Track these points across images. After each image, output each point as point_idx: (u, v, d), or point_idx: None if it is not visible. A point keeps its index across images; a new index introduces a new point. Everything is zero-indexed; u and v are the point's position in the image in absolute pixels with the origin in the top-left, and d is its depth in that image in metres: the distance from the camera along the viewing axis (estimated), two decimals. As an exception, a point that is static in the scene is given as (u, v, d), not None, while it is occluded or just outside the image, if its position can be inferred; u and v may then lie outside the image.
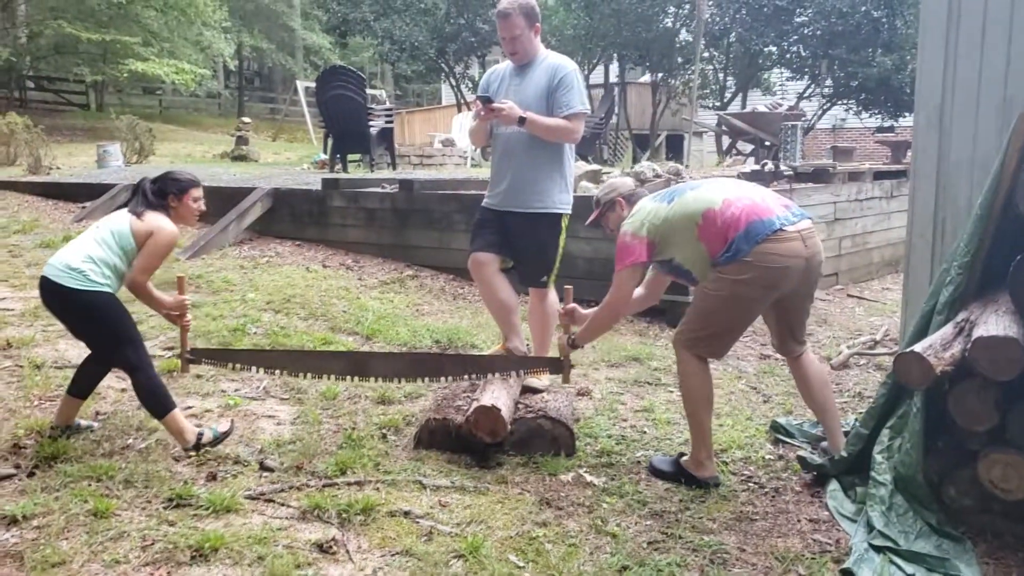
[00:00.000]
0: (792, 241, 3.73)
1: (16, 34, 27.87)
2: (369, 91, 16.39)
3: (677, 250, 3.91)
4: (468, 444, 4.18)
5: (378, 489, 3.76)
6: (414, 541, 3.32)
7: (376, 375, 4.63)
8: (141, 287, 4.05)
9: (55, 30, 25.76)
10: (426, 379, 4.74)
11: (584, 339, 4.34)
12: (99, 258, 3.92)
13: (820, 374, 4.25)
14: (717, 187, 3.93)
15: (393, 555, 3.23)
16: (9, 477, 3.71)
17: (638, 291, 4.23)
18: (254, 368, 4.61)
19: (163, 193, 4.11)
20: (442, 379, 4.66)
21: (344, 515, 3.48)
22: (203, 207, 4.28)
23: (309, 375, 4.57)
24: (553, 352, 4.76)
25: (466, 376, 4.60)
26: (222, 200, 9.57)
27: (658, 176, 8.03)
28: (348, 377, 4.59)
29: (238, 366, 4.65)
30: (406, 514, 3.53)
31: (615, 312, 4.19)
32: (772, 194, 4.00)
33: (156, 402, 4.01)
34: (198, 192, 4.22)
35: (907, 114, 16.92)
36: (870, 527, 3.42)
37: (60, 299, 3.91)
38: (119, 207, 4.16)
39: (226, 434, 4.17)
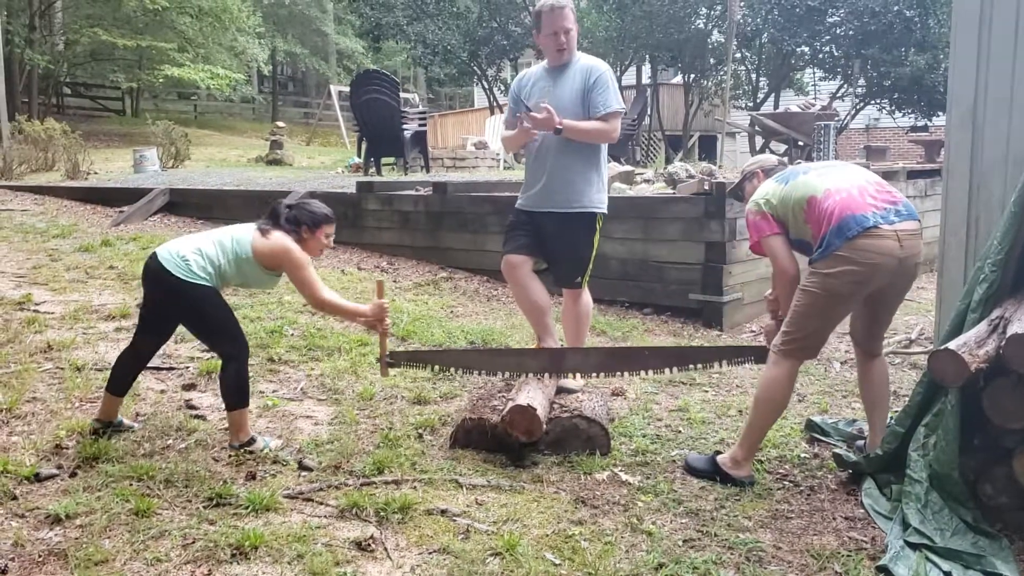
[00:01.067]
0: (886, 239, 3.70)
1: (54, 41, 28.28)
2: (402, 95, 16.49)
3: (791, 228, 3.94)
4: (504, 443, 4.21)
5: (415, 488, 3.79)
6: (451, 539, 3.35)
7: (574, 370, 4.65)
8: (326, 303, 4.12)
9: (92, 37, 26.12)
10: (625, 373, 4.67)
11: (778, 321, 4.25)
12: (206, 253, 4.00)
13: (885, 374, 4.26)
14: (825, 174, 3.93)
15: (430, 553, 3.26)
16: (52, 477, 3.78)
17: None
18: (452, 369, 4.69)
19: (297, 221, 4.12)
20: (642, 372, 4.62)
21: (382, 514, 3.52)
22: (332, 244, 4.30)
23: (507, 373, 4.59)
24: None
25: (667, 369, 4.61)
26: (258, 203, 9.67)
27: (691, 177, 8.04)
28: (547, 374, 4.58)
29: (438, 368, 4.72)
30: (443, 512, 3.56)
31: (786, 279, 4.01)
32: (877, 188, 3.91)
33: (237, 394, 4.10)
34: (331, 229, 4.22)
35: (941, 113, 16.74)
36: (906, 524, 3.42)
37: (160, 282, 4.00)
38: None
39: (273, 451, 4.19)
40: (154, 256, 4.04)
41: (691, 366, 4.55)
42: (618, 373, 4.68)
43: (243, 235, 4.08)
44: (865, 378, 4.23)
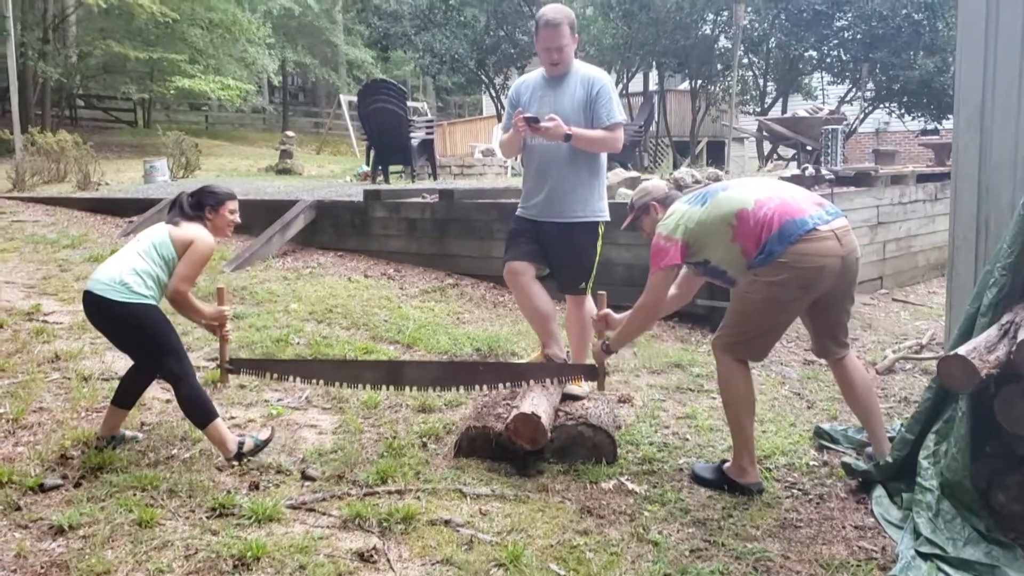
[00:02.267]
0: (827, 240, 3.69)
1: (67, 54, 28.50)
2: (410, 104, 16.50)
3: (712, 252, 3.89)
4: (508, 452, 4.18)
5: (419, 498, 3.77)
6: (455, 550, 3.32)
7: (411, 384, 4.64)
8: (182, 297, 4.11)
9: (104, 49, 26.32)
10: (461, 388, 4.74)
11: (619, 343, 4.35)
12: (142, 270, 3.99)
13: (864, 378, 4.19)
14: (749, 187, 3.92)
15: (434, 564, 3.24)
16: (56, 487, 3.78)
17: (671, 290, 4.21)
18: (291, 378, 4.67)
19: (200, 205, 4.21)
20: (477, 387, 4.65)
21: (385, 524, 3.49)
22: (238, 219, 4.35)
23: (345, 384, 4.60)
24: (589, 359, 4.75)
25: (501, 385, 4.59)
26: (266, 213, 9.70)
27: (698, 182, 8.01)
28: (384, 386, 4.61)
29: (276, 376, 4.71)
30: (447, 523, 3.53)
31: (649, 315, 4.18)
32: (804, 193, 3.96)
33: (198, 412, 4.07)
34: (234, 204, 4.30)
35: (950, 116, 16.69)
36: (917, 534, 3.37)
37: (104, 312, 3.99)
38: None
39: (267, 442, 4.21)
40: (88, 293, 4.01)
41: (524, 383, 4.52)
42: (453, 388, 4.74)
43: (160, 236, 4.09)
44: (845, 386, 4.18)
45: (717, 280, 4.07)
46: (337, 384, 4.62)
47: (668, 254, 3.91)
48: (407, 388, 4.67)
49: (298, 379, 4.67)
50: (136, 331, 4.04)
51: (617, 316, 4.34)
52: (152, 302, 3.99)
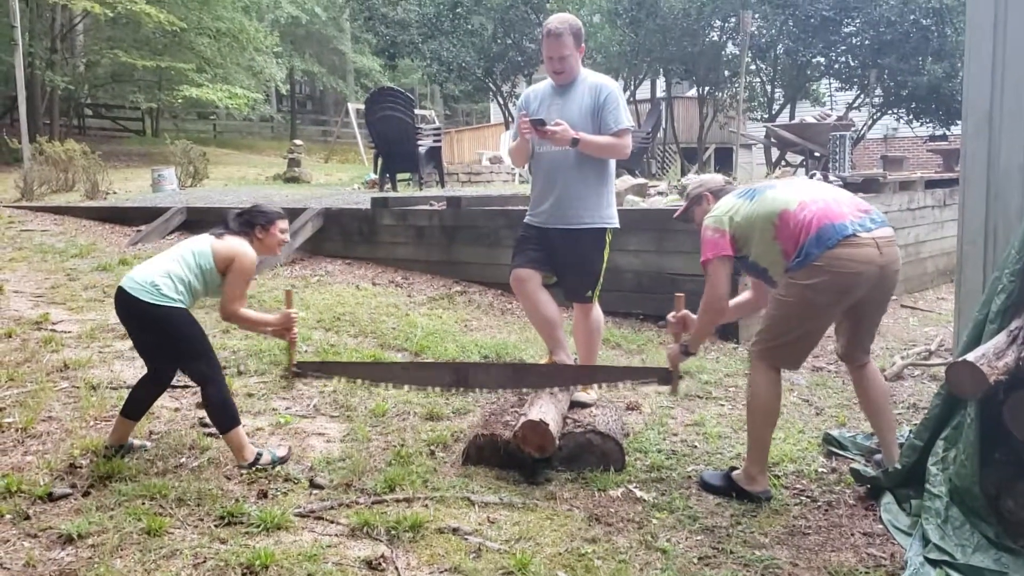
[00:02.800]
0: (866, 247, 3.67)
1: (75, 64, 28.65)
2: (418, 111, 16.53)
3: (755, 248, 3.89)
4: (517, 460, 4.17)
5: (427, 506, 3.77)
6: (463, 558, 3.32)
7: (480, 386, 4.64)
8: (236, 315, 4.15)
9: (112, 59, 26.45)
10: (530, 389, 4.66)
11: (695, 344, 4.28)
12: (174, 274, 4.01)
13: (882, 385, 4.19)
14: (795, 188, 3.90)
15: (442, 572, 3.23)
16: (65, 496, 3.78)
17: (745, 294, 4.20)
18: (359, 381, 4.69)
19: (250, 224, 4.21)
20: (547, 389, 4.57)
21: (393, 532, 3.49)
22: (288, 238, 4.38)
23: (414, 387, 4.59)
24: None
25: (573, 386, 4.59)
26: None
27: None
28: (453, 389, 4.59)
29: (345, 379, 4.74)
30: (455, 531, 3.53)
31: (716, 308, 4.05)
32: (851, 198, 3.91)
33: (224, 416, 4.09)
34: (284, 224, 4.32)
35: (959, 122, 16.66)
36: (926, 540, 3.36)
37: (132, 311, 4.01)
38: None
39: (283, 460, 4.20)
40: (121, 290, 4.04)
41: (598, 385, 4.56)
42: (523, 389, 4.70)
43: (201, 245, 4.11)
44: (862, 392, 4.17)
45: (760, 278, 4.05)
46: (406, 387, 4.60)
47: (717, 245, 3.91)
48: (476, 391, 4.68)
49: (367, 382, 4.66)
50: (162, 333, 4.06)
51: (694, 317, 4.25)
52: (180, 306, 4.00)
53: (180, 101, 27.70)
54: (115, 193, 15.13)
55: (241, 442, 4.12)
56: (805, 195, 3.82)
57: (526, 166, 5.16)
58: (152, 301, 3.94)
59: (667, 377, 4.40)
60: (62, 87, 25.89)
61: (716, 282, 3.96)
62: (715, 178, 4.41)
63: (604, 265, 4.78)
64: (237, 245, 4.11)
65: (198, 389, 5.20)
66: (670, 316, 4.33)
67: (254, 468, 4.07)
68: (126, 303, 4.01)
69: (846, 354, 4.15)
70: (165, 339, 4.09)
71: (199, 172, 17.40)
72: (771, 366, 3.90)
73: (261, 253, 4.24)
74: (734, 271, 4.10)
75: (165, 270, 4.02)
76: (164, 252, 4.20)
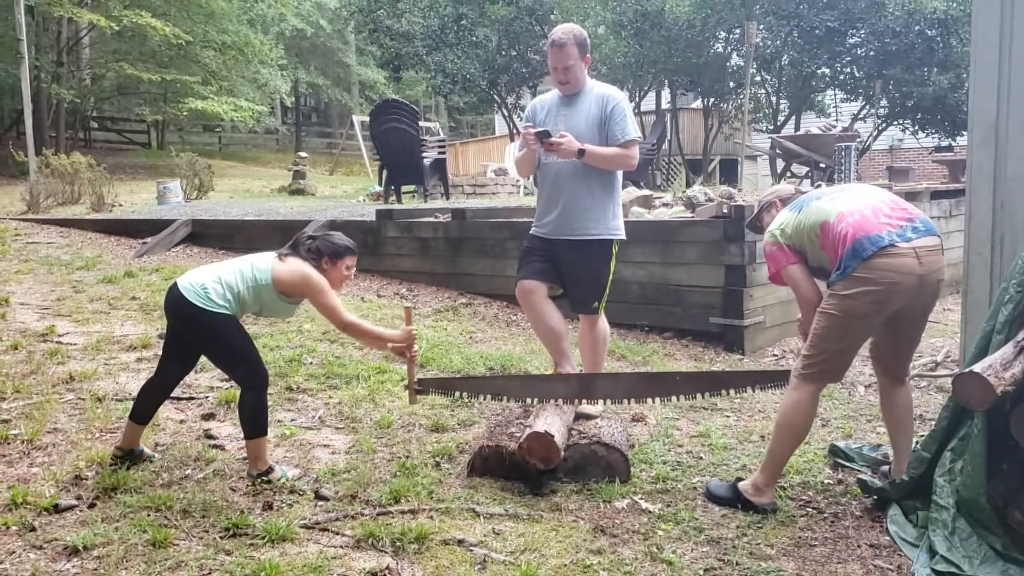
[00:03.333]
0: (904, 257, 3.65)
1: (81, 76, 28.75)
2: (423, 123, 16.56)
3: (809, 256, 3.92)
4: (522, 471, 4.16)
5: (432, 517, 3.76)
6: (468, 569, 3.31)
7: (605, 397, 4.62)
8: (350, 325, 4.13)
9: (118, 72, 26.52)
10: (657, 399, 4.63)
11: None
12: (226, 281, 4.02)
13: (908, 399, 4.18)
14: (838, 198, 3.90)
15: (447, 583, 3.23)
16: (71, 508, 3.78)
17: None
18: (481, 396, 4.65)
19: (318, 252, 4.14)
20: (673, 398, 4.57)
21: (398, 543, 3.48)
22: (352, 276, 4.31)
23: (536, 399, 4.53)
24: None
25: (699, 395, 4.58)
26: (279, 233, 9.72)
27: (710, 200, 8.01)
28: (576, 400, 4.57)
29: (467, 394, 4.68)
30: (460, 542, 3.52)
31: (809, 305, 3.98)
32: (892, 206, 3.85)
33: (255, 422, 4.09)
34: (352, 261, 4.23)
35: (964, 133, 16.64)
36: (933, 552, 3.34)
37: (179, 309, 4.03)
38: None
39: (291, 480, 4.17)
40: (175, 286, 4.07)
41: (723, 391, 4.52)
42: (649, 400, 4.63)
43: (263, 263, 4.10)
44: (888, 401, 4.15)
45: (824, 278, 3.99)
46: (528, 399, 4.56)
47: (777, 257, 3.96)
48: (602, 402, 4.64)
49: (488, 396, 4.62)
50: (206, 338, 4.08)
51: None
52: (224, 312, 3.99)
53: (185, 114, 27.77)
54: (121, 206, 15.16)
55: (260, 452, 4.11)
56: (844, 206, 3.81)
57: (531, 177, 5.16)
58: (198, 304, 3.95)
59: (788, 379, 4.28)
60: (68, 100, 25.98)
61: (796, 286, 3.98)
62: (786, 188, 4.46)
63: (611, 276, 4.77)
64: (300, 267, 4.07)
65: (203, 400, 5.25)
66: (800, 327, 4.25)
67: (260, 480, 4.06)
68: (176, 302, 4.03)
69: (886, 362, 4.12)
70: (210, 342, 4.11)
71: (204, 185, 17.44)
72: (817, 384, 3.89)
73: None
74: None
75: (218, 276, 4.04)
76: (227, 261, 4.21)
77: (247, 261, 4.13)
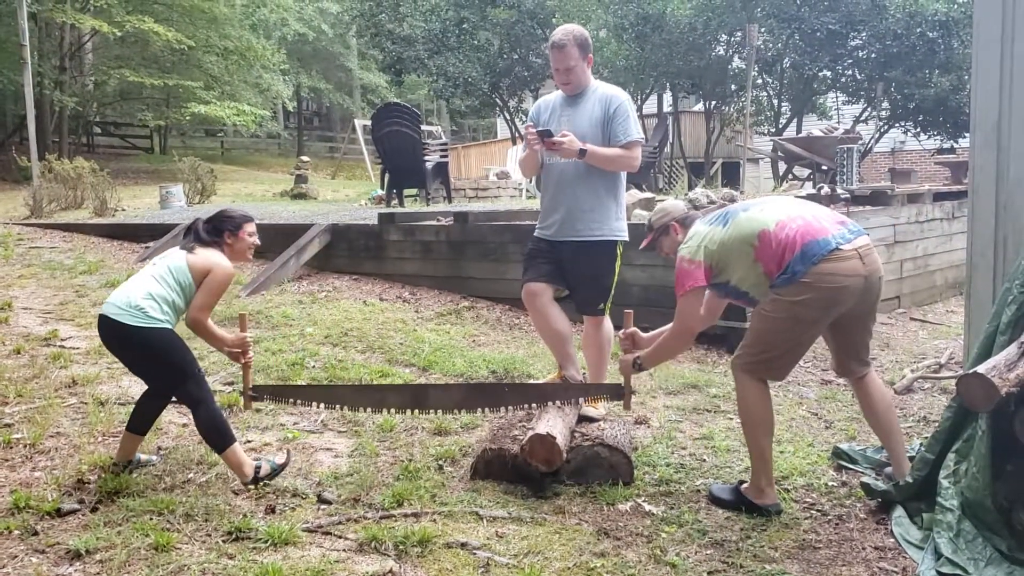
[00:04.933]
0: (850, 260, 3.69)
1: (83, 82, 28.79)
2: (425, 127, 16.57)
3: (733, 272, 3.89)
4: (525, 474, 4.16)
5: (435, 520, 3.75)
6: (471, 573, 3.30)
7: (435, 407, 4.61)
8: (202, 325, 4.11)
9: (120, 77, 26.55)
10: (485, 410, 4.69)
11: (650, 363, 4.31)
12: (158, 294, 3.98)
13: (885, 397, 4.17)
14: (770, 208, 3.91)
15: (450, 586, 3.22)
16: (73, 512, 3.78)
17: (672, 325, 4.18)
18: (314, 404, 4.65)
19: (218, 231, 4.19)
20: (501, 409, 4.62)
21: (401, 547, 3.48)
22: (257, 241, 4.34)
23: (368, 409, 4.59)
24: (611, 379, 4.73)
25: (525, 406, 4.58)
26: (281, 237, 9.74)
27: (712, 203, 8.00)
28: (407, 410, 4.60)
29: (299, 402, 4.70)
30: (463, 546, 3.51)
31: (684, 339, 4.15)
32: (826, 211, 3.96)
33: (217, 436, 4.06)
34: (252, 227, 4.29)
35: (967, 135, 16.59)
36: (938, 554, 3.33)
37: (120, 337, 3.98)
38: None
39: (283, 466, 4.21)
40: (104, 318, 3.99)
41: (547, 403, 4.49)
42: (479, 410, 4.67)
43: (177, 261, 4.07)
44: (866, 405, 4.16)
45: (739, 301, 4.06)
46: (361, 408, 4.61)
47: (692, 276, 3.90)
48: (431, 411, 4.66)
49: (322, 404, 4.64)
50: (152, 356, 4.03)
51: (645, 336, 4.32)
52: (167, 326, 3.98)
53: (188, 118, 27.84)
54: (123, 210, 15.18)
55: (239, 460, 4.09)
56: (782, 214, 3.83)
57: (534, 180, 5.16)
58: (139, 324, 3.90)
59: (619, 392, 4.43)
60: (70, 107, 26.00)
61: (689, 315, 3.98)
62: (677, 206, 4.35)
63: (615, 278, 4.77)
64: (212, 257, 4.10)
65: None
66: (620, 332, 4.38)
67: (259, 483, 4.06)
68: (112, 329, 3.96)
69: (841, 369, 4.16)
70: (153, 361, 4.06)
71: (207, 189, 17.47)
72: (757, 375, 3.90)
73: (233, 260, 4.20)
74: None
75: (147, 291, 3.98)
76: (139, 272, 4.17)
77: (162, 267, 4.07)
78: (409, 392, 4.75)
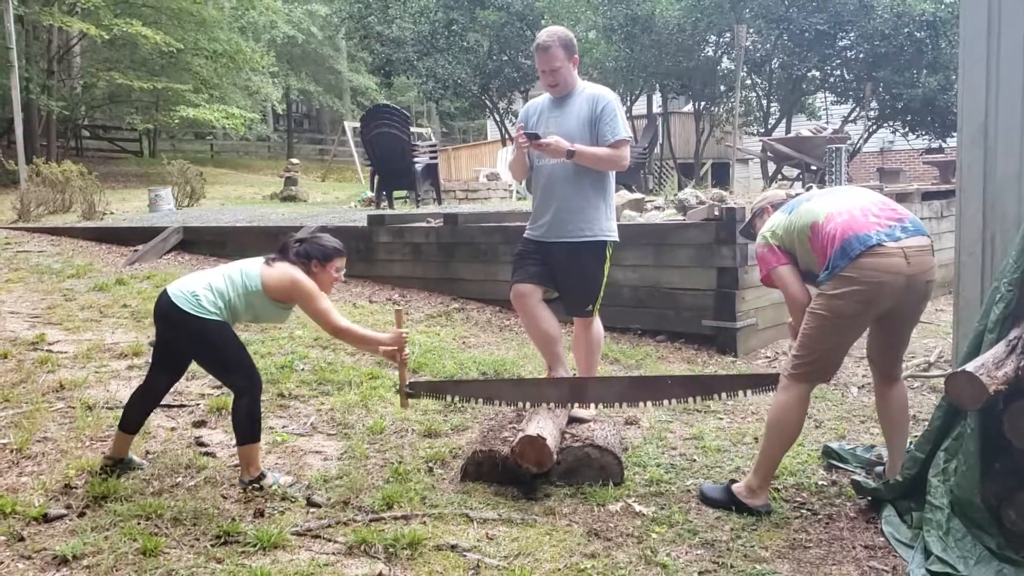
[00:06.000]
0: (892, 257, 3.65)
1: (72, 85, 28.70)
2: (415, 129, 16.56)
3: (799, 257, 3.94)
4: (515, 475, 4.15)
5: (425, 523, 3.74)
6: (461, 574, 3.29)
7: (595, 400, 4.60)
8: (342, 329, 4.10)
9: (109, 80, 26.46)
10: (648, 403, 4.59)
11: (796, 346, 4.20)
12: (216, 287, 4.00)
13: (904, 398, 4.18)
14: (826, 200, 3.92)
15: (440, 589, 3.21)
16: (60, 517, 3.74)
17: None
18: (473, 400, 4.61)
19: (307, 256, 4.12)
20: (665, 402, 4.54)
21: (391, 549, 3.46)
22: (343, 278, 4.28)
23: (529, 404, 4.52)
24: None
25: (691, 398, 4.56)
26: (270, 239, 9.68)
27: (702, 203, 8.01)
28: (566, 404, 4.54)
29: (458, 398, 4.66)
30: (453, 548, 3.50)
31: (797, 306, 4.00)
32: (880, 207, 3.87)
33: (248, 428, 4.05)
34: (342, 263, 4.21)
35: (954, 134, 16.63)
36: (927, 553, 3.33)
37: (169, 317, 4.00)
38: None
39: (285, 487, 4.14)
40: (165, 294, 4.04)
41: (715, 395, 4.50)
42: (641, 403, 4.61)
43: (252, 268, 4.08)
44: (883, 401, 4.15)
45: (814, 284, 4.00)
46: (520, 403, 4.55)
47: (767, 259, 3.99)
48: (595, 406, 4.63)
49: (480, 401, 4.58)
50: (198, 345, 4.06)
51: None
52: (216, 319, 3.97)
53: (177, 122, 27.72)
54: (112, 214, 15.14)
55: (253, 458, 4.08)
56: (833, 207, 3.83)
57: (524, 182, 5.15)
58: (189, 311, 3.93)
59: (774, 382, 4.24)
60: (57, 111, 25.90)
61: (785, 287, 3.99)
62: (778, 193, 4.50)
63: (605, 279, 4.76)
64: (289, 272, 4.04)
65: (194, 408, 5.22)
66: (790, 321, 4.26)
67: (252, 487, 4.03)
68: (166, 309, 4.00)
69: (878, 362, 4.13)
70: (202, 350, 4.09)
71: (196, 192, 17.43)
72: (807, 384, 3.89)
73: None
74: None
75: (208, 282, 4.02)
76: (217, 267, 4.18)
77: (236, 267, 4.10)
78: (567, 386, 4.65)
